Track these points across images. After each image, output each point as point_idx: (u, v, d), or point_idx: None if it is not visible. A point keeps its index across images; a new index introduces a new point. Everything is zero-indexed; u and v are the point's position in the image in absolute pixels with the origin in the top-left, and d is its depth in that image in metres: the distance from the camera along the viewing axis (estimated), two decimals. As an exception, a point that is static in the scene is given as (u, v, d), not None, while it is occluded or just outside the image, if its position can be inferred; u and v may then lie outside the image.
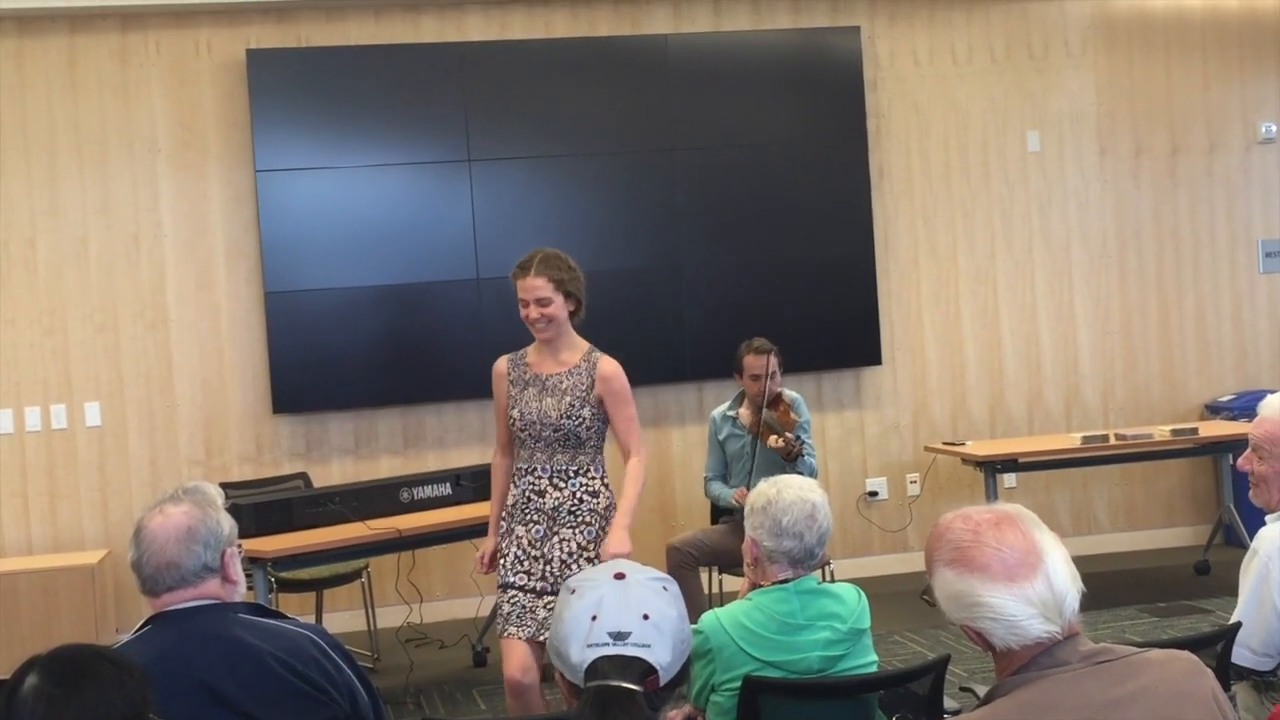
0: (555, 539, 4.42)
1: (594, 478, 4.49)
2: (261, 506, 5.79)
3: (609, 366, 4.49)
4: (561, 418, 4.42)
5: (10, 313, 7.09)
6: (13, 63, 7.08)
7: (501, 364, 4.62)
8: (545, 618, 4.34)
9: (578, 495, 4.45)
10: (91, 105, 7.16)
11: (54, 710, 2.03)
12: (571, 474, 4.45)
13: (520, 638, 4.39)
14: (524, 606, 4.42)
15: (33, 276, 7.12)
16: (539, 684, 4.44)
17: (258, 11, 7.28)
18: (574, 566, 4.39)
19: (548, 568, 4.41)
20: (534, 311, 4.43)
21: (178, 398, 7.24)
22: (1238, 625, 3.34)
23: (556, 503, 4.44)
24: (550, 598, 4.36)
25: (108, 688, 2.07)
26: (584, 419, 4.43)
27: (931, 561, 2.21)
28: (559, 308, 4.43)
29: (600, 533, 4.43)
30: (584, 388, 4.45)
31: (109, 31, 7.17)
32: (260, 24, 7.30)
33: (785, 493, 3.33)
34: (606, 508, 4.47)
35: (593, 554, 4.40)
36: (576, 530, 4.42)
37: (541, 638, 4.33)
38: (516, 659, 4.39)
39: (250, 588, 5.14)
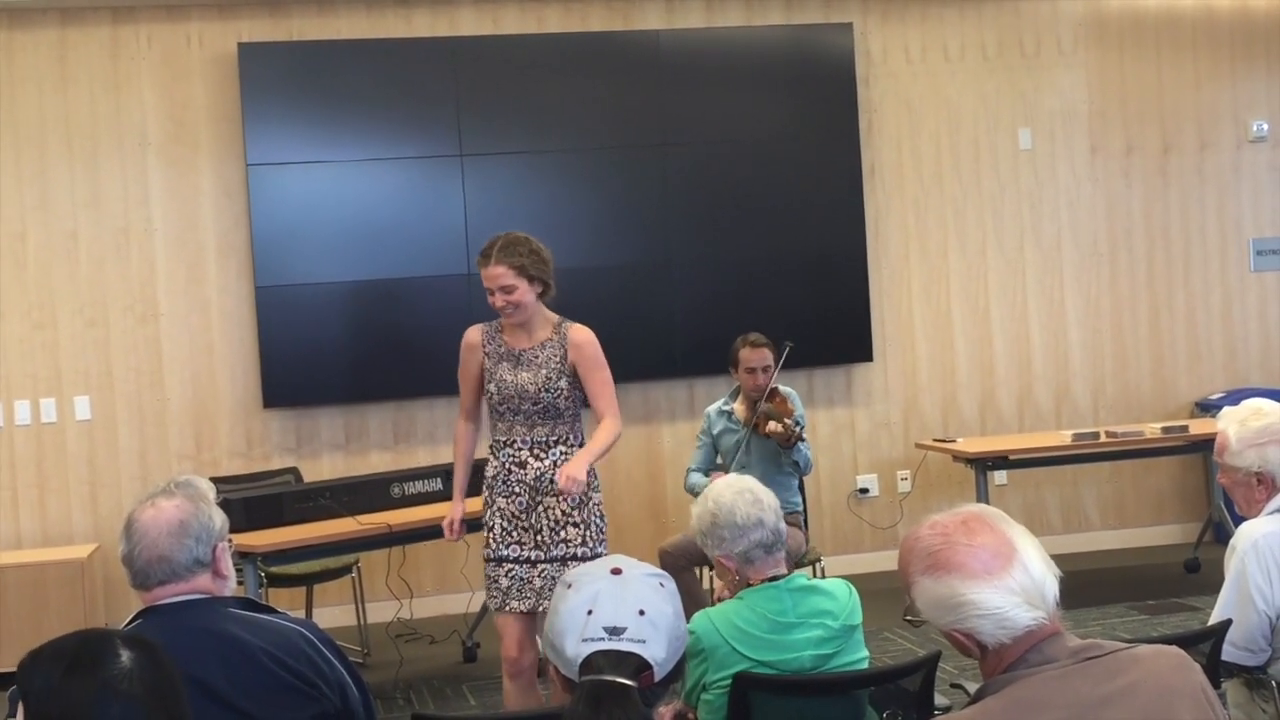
0: (539, 508, 4.49)
1: (573, 445, 4.54)
2: (252, 501, 5.78)
3: (580, 334, 4.53)
4: (540, 391, 4.47)
5: (0, 306, 7.06)
6: (3, 56, 7.06)
7: (474, 334, 4.65)
8: (541, 587, 4.44)
9: (558, 464, 4.48)
10: (82, 99, 7.14)
11: (162, 684, 1.98)
12: (551, 444, 4.51)
13: (521, 610, 4.47)
14: (522, 578, 4.50)
15: (22, 270, 7.10)
16: (535, 666, 4.48)
17: (249, 5, 7.26)
18: (562, 532, 4.46)
19: (538, 537, 4.49)
20: (499, 299, 4.47)
21: (168, 392, 7.22)
22: (1228, 623, 3.36)
23: (538, 473, 4.50)
24: (545, 565, 4.47)
25: (180, 675, 2.06)
26: (561, 390, 4.49)
27: (908, 575, 2.21)
28: (524, 293, 4.45)
29: (584, 498, 4.49)
30: (558, 359, 4.49)
31: (99, 25, 7.15)
32: (251, 17, 7.28)
33: (721, 498, 3.33)
34: (593, 471, 4.51)
35: (578, 519, 4.47)
36: (560, 497, 4.47)
37: (542, 608, 4.41)
38: (514, 636, 4.49)
39: (240, 582, 5.14)
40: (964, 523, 2.18)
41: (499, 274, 4.43)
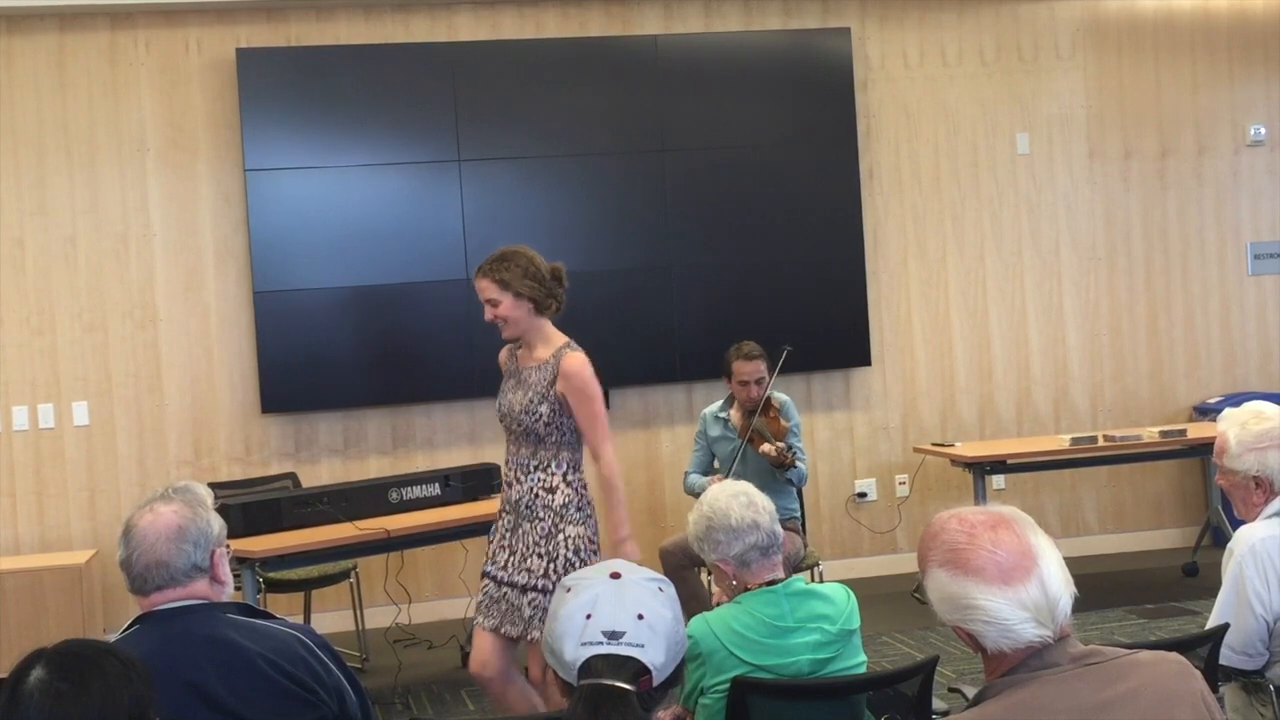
0: (519, 531, 4.47)
1: (553, 474, 4.44)
2: (250, 507, 5.78)
3: (571, 363, 4.42)
4: (521, 412, 4.44)
5: (-2, 312, 7.08)
6: (2, 61, 7.06)
7: (502, 354, 4.67)
8: (507, 610, 4.42)
9: (534, 490, 4.45)
10: (80, 104, 7.14)
11: (62, 705, 2.01)
12: (531, 468, 4.46)
13: (485, 628, 4.47)
14: (491, 597, 4.49)
15: (21, 276, 7.10)
16: (503, 677, 4.49)
17: (247, 10, 7.26)
18: (529, 560, 4.42)
19: (511, 558, 4.46)
20: (487, 313, 4.49)
21: (166, 397, 7.22)
22: (1225, 627, 3.36)
23: (519, 496, 4.48)
24: (507, 589, 4.44)
25: (115, 684, 2.06)
26: (540, 415, 4.40)
27: (925, 561, 2.20)
28: (509, 307, 4.44)
29: (553, 529, 4.40)
30: (546, 383, 4.42)
31: (98, 30, 7.15)
32: (250, 23, 7.29)
33: (716, 503, 3.34)
34: (563, 505, 4.42)
35: (543, 550, 4.40)
36: (533, 525, 4.44)
37: (502, 630, 4.43)
38: (478, 653, 4.51)
39: (238, 588, 5.14)
40: (992, 525, 2.16)
41: (482, 287, 4.46)
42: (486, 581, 4.52)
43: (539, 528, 4.42)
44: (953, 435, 7.97)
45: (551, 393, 4.40)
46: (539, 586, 4.35)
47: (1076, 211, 8.26)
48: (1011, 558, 2.13)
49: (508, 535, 4.49)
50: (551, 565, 4.38)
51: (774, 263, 7.70)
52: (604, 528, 4.52)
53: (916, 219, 8.06)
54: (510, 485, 4.51)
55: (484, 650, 4.47)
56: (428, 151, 7.37)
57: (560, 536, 4.40)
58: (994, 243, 8.15)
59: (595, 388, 4.44)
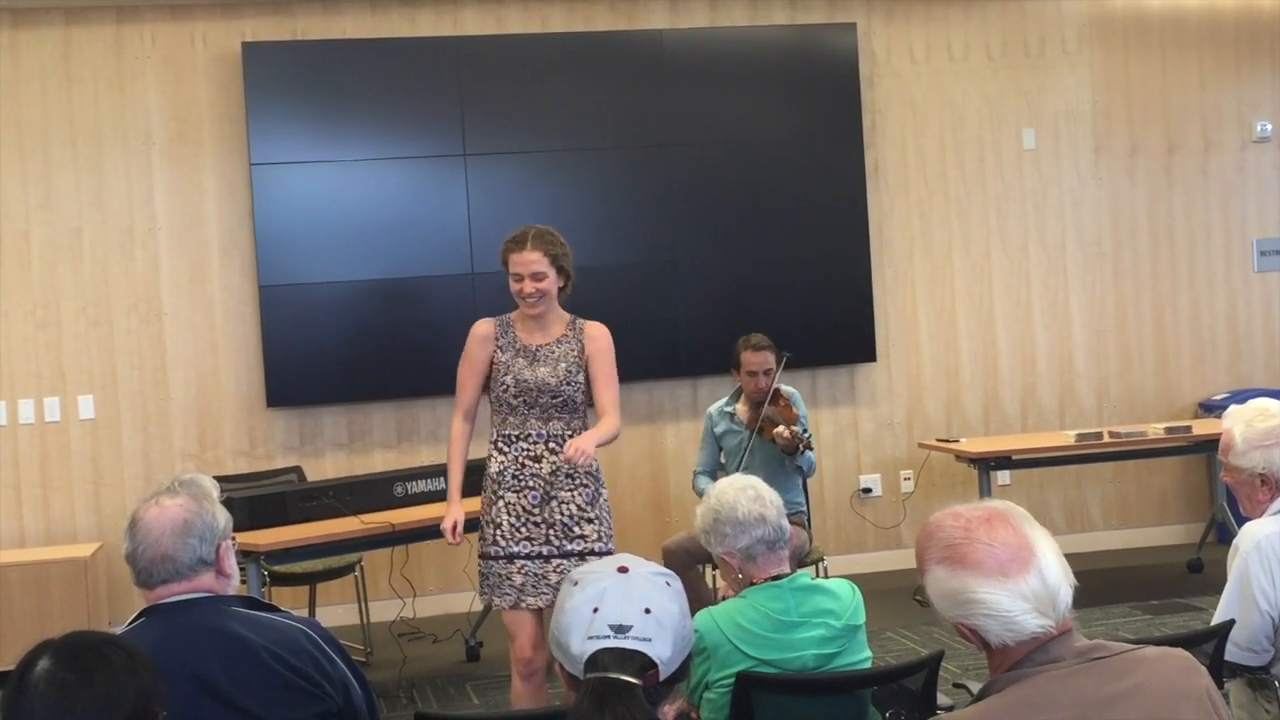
0: (554, 502, 4.49)
1: None
2: (255, 500, 5.78)
3: (596, 328, 4.62)
4: (561, 384, 4.51)
5: (4, 305, 7.07)
6: (7, 55, 7.06)
7: (487, 326, 4.64)
8: (557, 582, 4.39)
9: (573, 460, 4.46)
10: (86, 98, 7.14)
11: (66, 696, 2.02)
12: (566, 438, 4.51)
13: (539, 606, 4.47)
14: (536, 574, 4.49)
15: (26, 269, 7.10)
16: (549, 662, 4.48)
17: (253, 4, 7.26)
18: (576, 528, 4.48)
19: (551, 531, 4.49)
20: (528, 286, 4.48)
21: (171, 391, 7.22)
22: (1231, 623, 3.35)
23: (553, 467, 4.50)
24: (560, 560, 4.46)
25: (120, 676, 2.07)
26: (580, 384, 4.55)
27: (923, 560, 2.20)
28: (551, 283, 4.51)
29: (596, 493, 4.53)
30: (576, 354, 4.55)
31: (104, 24, 7.15)
32: (256, 17, 7.28)
33: (723, 496, 3.36)
34: (598, 469, 4.55)
35: (592, 514, 4.50)
36: (575, 492, 4.50)
37: (524, 604, 4.47)
38: (528, 634, 4.49)
39: (244, 581, 5.14)
40: (987, 519, 2.16)
41: (533, 260, 4.46)
42: (523, 562, 4.47)
43: (583, 494, 4.51)
44: (958, 431, 7.96)
45: (584, 360, 4.55)
46: (596, 550, 4.46)
47: (1082, 207, 8.24)
48: (1009, 550, 2.13)
49: (535, 511, 4.49)
50: (601, 528, 4.52)
51: (779, 258, 7.69)
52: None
53: (922, 215, 8.05)
54: (538, 460, 4.50)
55: (535, 632, 4.47)
56: (433, 146, 7.37)
57: (601, 499, 4.56)
58: (1000, 238, 8.14)
59: (614, 354, 4.62)
